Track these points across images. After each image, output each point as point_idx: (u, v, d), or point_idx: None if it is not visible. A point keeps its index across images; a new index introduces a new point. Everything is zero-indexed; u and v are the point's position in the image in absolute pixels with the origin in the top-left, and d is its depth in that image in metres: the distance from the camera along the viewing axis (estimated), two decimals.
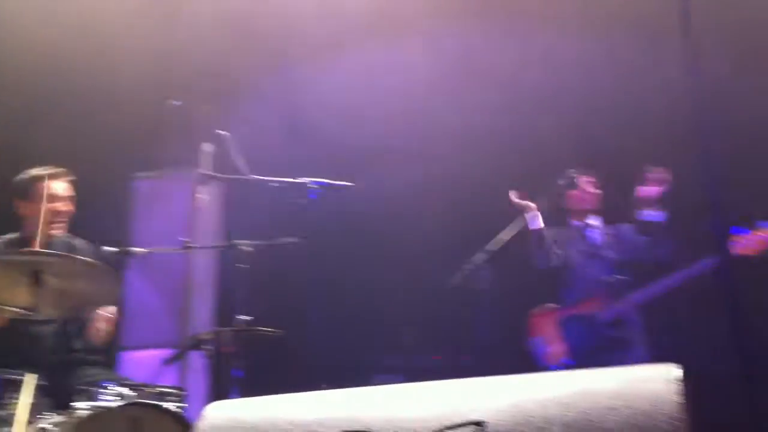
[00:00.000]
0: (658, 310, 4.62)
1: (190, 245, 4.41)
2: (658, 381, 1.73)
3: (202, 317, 5.98)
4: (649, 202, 4.54)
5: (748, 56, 5.28)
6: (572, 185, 4.85)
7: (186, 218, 5.88)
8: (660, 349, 4.54)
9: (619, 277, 4.63)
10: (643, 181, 4.56)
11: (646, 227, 4.57)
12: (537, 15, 5.54)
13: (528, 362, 4.65)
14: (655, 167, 4.56)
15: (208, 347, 3.97)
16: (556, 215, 4.91)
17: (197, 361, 4.42)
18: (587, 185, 4.88)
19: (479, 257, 4.60)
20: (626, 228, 4.82)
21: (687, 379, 1.71)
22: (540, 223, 4.71)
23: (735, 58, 5.12)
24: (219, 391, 4.31)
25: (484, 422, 1.75)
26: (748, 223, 4.28)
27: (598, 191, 4.88)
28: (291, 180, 4.29)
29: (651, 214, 4.54)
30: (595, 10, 5.43)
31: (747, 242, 4.23)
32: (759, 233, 4.26)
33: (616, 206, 4.87)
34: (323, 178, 4.21)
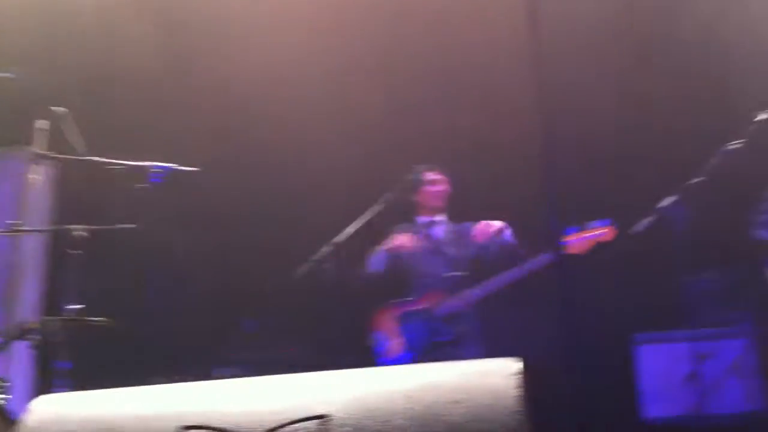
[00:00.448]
0: (495, 306, 4.77)
1: (19, 228, 4.16)
2: (498, 375, 1.77)
3: (28, 305, 5.65)
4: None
5: (589, 64, 5.55)
6: (420, 181, 4.93)
7: (15, 199, 5.53)
8: (496, 343, 4.70)
9: (458, 273, 4.75)
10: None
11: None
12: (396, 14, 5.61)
13: (371, 357, 4.69)
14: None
15: (34, 337, 3.78)
16: (403, 210, 4.98)
17: (22, 351, 4.17)
18: (435, 182, 4.97)
19: (326, 250, 4.59)
20: (468, 226, 4.96)
21: (525, 372, 1.77)
22: None
23: (576, 66, 5.37)
24: (44, 384, 4.09)
25: (328, 416, 1.73)
26: (579, 223, 4.50)
27: (445, 188, 4.98)
28: (132, 163, 4.13)
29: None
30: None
31: (578, 241, 4.45)
32: (589, 233, 4.48)
33: (462, 203, 5.00)
34: (169, 162, 4.08)
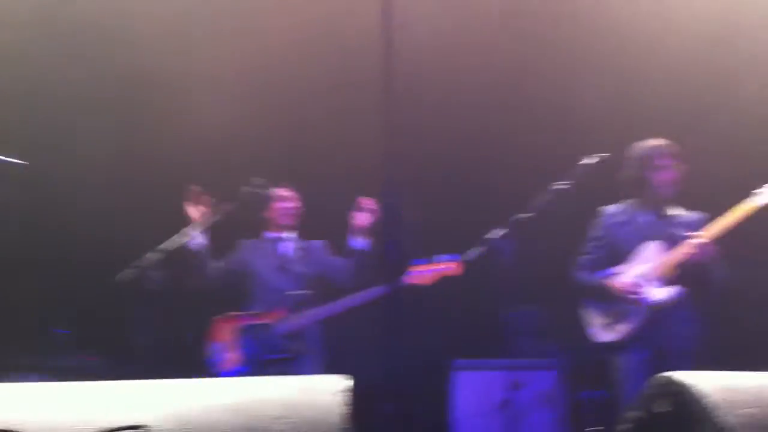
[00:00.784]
0: (336, 326, 4.76)
1: None
2: (326, 391, 1.76)
3: None
4: (361, 230, 4.69)
5: (441, 103, 5.73)
6: (270, 197, 4.86)
7: None
8: (334, 362, 4.68)
9: (303, 291, 4.70)
10: (356, 209, 4.69)
11: (353, 254, 4.71)
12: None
13: (201, 367, 4.55)
14: (367, 197, 4.71)
15: None
16: (250, 224, 4.89)
17: None
18: (285, 199, 4.91)
19: (152, 256, 4.41)
20: (317, 244, 4.93)
21: (356, 390, 1.76)
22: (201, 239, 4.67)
23: (430, 105, 5.52)
24: None
25: (144, 426, 1.64)
26: (427, 256, 4.57)
27: (295, 205, 4.93)
28: None
29: (360, 242, 4.70)
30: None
31: (423, 273, 4.52)
32: (435, 266, 4.56)
33: (311, 221, 4.97)
34: None
